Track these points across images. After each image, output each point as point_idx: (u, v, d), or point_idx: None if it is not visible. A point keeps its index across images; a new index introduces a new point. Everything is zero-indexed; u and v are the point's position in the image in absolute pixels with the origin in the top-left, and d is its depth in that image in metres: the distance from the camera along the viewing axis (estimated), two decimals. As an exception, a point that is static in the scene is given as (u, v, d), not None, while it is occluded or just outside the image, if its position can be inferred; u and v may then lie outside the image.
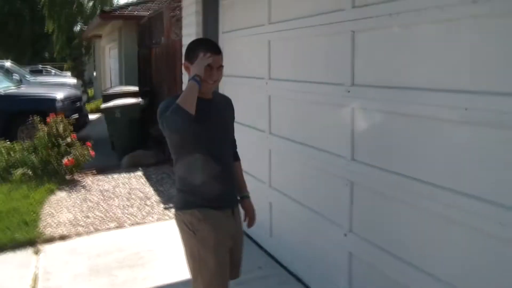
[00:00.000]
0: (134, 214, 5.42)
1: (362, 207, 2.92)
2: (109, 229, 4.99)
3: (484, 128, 2.07)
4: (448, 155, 2.26)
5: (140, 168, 7.61)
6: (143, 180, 6.99)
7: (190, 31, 5.30)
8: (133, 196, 6.10)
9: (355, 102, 2.88)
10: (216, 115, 2.40)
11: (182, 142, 2.30)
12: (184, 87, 5.38)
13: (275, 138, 3.94)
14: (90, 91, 22.10)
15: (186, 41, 5.59)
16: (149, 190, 6.42)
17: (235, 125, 2.64)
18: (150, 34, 9.83)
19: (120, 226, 5.06)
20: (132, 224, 5.11)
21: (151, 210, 5.54)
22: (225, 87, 4.36)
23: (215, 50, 2.32)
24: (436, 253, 2.36)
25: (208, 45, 2.33)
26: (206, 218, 2.32)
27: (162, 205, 5.73)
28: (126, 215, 5.39)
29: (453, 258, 2.27)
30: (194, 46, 2.33)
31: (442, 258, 2.33)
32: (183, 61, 2.38)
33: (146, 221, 5.21)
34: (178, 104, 2.11)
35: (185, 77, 5.22)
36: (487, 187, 2.06)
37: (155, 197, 6.06)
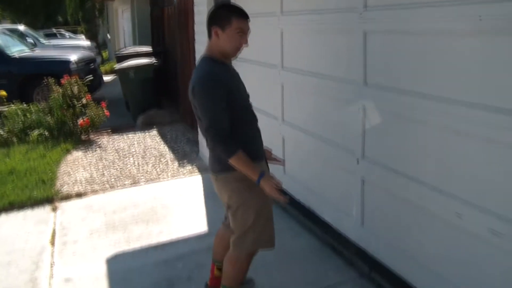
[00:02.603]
0: (149, 171, 5.48)
1: (374, 131, 2.92)
2: (124, 186, 5.05)
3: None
4: (457, 68, 2.27)
5: (154, 127, 7.65)
6: (158, 138, 7.02)
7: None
8: (148, 154, 6.15)
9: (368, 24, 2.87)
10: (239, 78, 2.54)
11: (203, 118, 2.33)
12: (197, 46, 5.38)
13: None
14: (104, 53, 22.06)
15: (197, -1, 5.51)
16: (164, 148, 6.46)
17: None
18: (163, -7, 9.71)
19: (135, 183, 5.12)
20: (147, 181, 5.16)
21: (165, 168, 5.59)
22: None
23: (246, 16, 2.38)
24: (451, 170, 2.36)
25: (240, 11, 2.38)
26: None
27: (176, 163, 5.77)
28: (141, 172, 5.45)
29: (469, 172, 2.25)
30: (226, 13, 2.35)
31: (458, 174, 2.32)
32: (212, 26, 2.35)
33: (160, 178, 5.25)
34: (229, 158, 2.24)
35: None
36: (498, 96, 2.06)
37: (169, 155, 6.10)
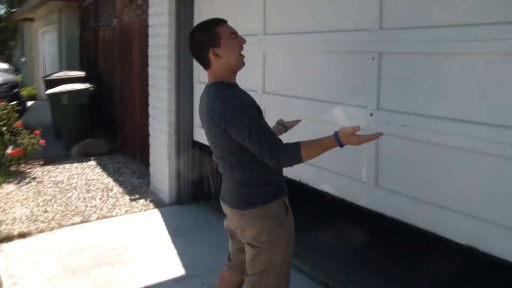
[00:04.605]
0: (99, 206, 4.99)
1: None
2: (74, 224, 4.53)
3: None
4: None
5: (92, 158, 7.10)
6: (99, 170, 6.50)
7: (161, 10, 4.90)
8: (92, 188, 5.64)
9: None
10: None
11: (249, 145, 2.06)
12: (150, 71, 5.06)
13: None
14: (18, 77, 20.72)
15: (154, 21, 5.20)
16: (109, 180, 5.97)
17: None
18: (96, 16, 9.20)
19: (85, 220, 4.62)
20: (99, 218, 4.68)
21: (116, 202, 5.12)
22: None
23: (224, 20, 2.19)
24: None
25: (216, 20, 2.17)
26: (289, 207, 2.21)
27: (127, 197, 5.31)
28: (90, 208, 4.95)
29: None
30: (207, 30, 2.13)
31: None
32: (207, 51, 2.10)
33: (113, 214, 4.79)
34: (301, 157, 1.97)
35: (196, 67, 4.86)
36: None
37: (117, 189, 5.62)
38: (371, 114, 2.71)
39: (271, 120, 2.44)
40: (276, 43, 3.59)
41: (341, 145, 2.00)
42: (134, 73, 6.94)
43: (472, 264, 2.81)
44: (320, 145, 2.01)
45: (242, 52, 2.16)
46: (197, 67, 4.77)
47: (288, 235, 2.19)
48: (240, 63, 2.16)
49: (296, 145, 1.98)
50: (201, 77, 4.70)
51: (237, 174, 2.15)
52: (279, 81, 3.56)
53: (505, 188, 2.10)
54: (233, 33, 2.14)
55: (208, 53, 2.10)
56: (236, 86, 2.19)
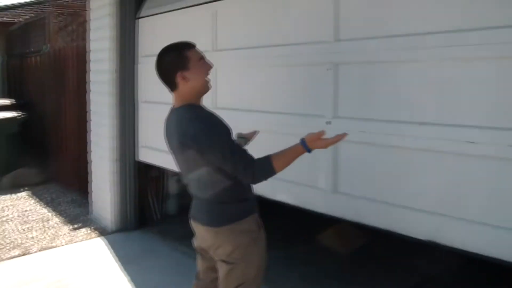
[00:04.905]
0: (39, 238, 4.78)
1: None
2: (13, 257, 4.31)
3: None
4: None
5: (25, 188, 6.80)
6: (33, 201, 6.23)
7: (102, 35, 4.86)
8: (29, 219, 5.40)
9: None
10: None
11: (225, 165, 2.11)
12: (90, 96, 4.96)
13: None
14: None
15: (94, 46, 5.14)
16: (45, 211, 5.73)
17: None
18: (24, 42, 8.91)
19: (26, 252, 4.41)
20: (41, 249, 4.48)
21: (57, 233, 4.93)
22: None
23: (193, 44, 2.22)
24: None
25: (186, 43, 2.20)
26: (261, 223, 2.27)
27: (67, 226, 5.13)
28: (28, 239, 4.73)
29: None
30: (177, 53, 2.16)
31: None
32: (175, 73, 2.12)
33: (55, 244, 4.61)
34: (274, 169, 2.06)
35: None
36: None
37: (55, 219, 5.41)
38: (328, 123, 2.82)
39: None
40: (228, 58, 3.65)
41: (309, 151, 2.10)
42: (70, 100, 6.78)
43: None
44: (289, 154, 2.11)
45: (208, 76, 2.21)
46: (141, 87, 4.78)
47: (261, 251, 2.25)
48: (206, 87, 2.21)
49: (267, 159, 2.06)
50: (146, 96, 4.72)
51: (211, 193, 2.18)
52: (232, 96, 3.62)
53: (462, 184, 2.28)
54: (202, 57, 2.18)
55: (176, 75, 2.13)
56: (204, 107, 2.23)
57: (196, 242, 2.39)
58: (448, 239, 2.34)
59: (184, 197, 5.63)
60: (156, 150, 4.59)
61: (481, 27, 2.16)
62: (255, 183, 2.14)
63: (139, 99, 4.85)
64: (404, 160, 2.53)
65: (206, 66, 2.19)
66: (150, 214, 5.27)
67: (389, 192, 2.60)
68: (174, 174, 5.55)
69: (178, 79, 2.13)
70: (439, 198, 2.39)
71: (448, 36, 2.28)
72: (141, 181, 5.12)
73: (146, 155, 4.83)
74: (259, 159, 2.08)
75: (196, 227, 2.32)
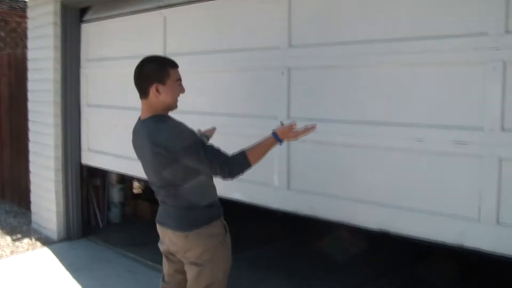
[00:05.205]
0: (-22, 250, 4.69)
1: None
2: (-46, 270, 4.22)
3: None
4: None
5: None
6: (-35, 213, 6.04)
7: (44, 44, 4.84)
8: (-36, 232, 5.25)
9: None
10: None
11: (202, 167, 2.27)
12: (31, 105, 4.90)
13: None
14: None
15: (35, 54, 5.11)
16: (-18, 223, 5.59)
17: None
18: None
19: (-33, 265, 4.33)
20: (-17, 261, 4.42)
21: (-3, 244, 4.86)
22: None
23: (177, 64, 2.38)
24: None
25: (171, 61, 2.36)
26: (227, 227, 2.44)
27: (8, 237, 5.04)
28: (-33, 252, 4.63)
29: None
30: (161, 66, 2.31)
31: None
32: (151, 83, 2.26)
33: (-2, 256, 4.55)
34: (249, 162, 2.26)
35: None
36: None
37: (-6, 230, 5.31)
38: (281, 124, 3.05)
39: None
40: (180, 63, 3.76)
41: (281, 142, 2.34)
42: (2, 109, 6.62)
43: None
44: (262, 147, 2.31)
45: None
46: (84, 91, 4.84)
47: (228, 252, 2.43)
48: (175, 105, 2.36)
49: (242, 154, 2.26)
50: (89, 100, 4.80)
51: (180, 199, 2.33)
52: (186, 99, 3.69)
53: (411, 176, 2.59)
54: (179, 79, 2.35)
55: (151, 85, 2.27)
56: (171, 117, 2.37)
57: (163, 246, 2.52)
58: (399, 228, 2.63)
59: (125, 205, 5.74)
60: (100, 153, 4.69)
61: (425, 36, 2.48)
62: (232, 178, 2.28)
63: (82, 103, 4.89)
64: (355, 157, 2.81)
65: (180, 89, 2.35)
66: (94, 222, 5.30)
67: (341, 187, 2.88)
68: (116, 182, 5.62)
69: (152, 89, 2.27)
70: (388, 191, 2.68)
71: (396, 43, 2.59)
72: (84, 190, 5.14)
73: (91, 159, 4.88)
74: (233, 155, 2.26)
75: (164, 232, 2.46)
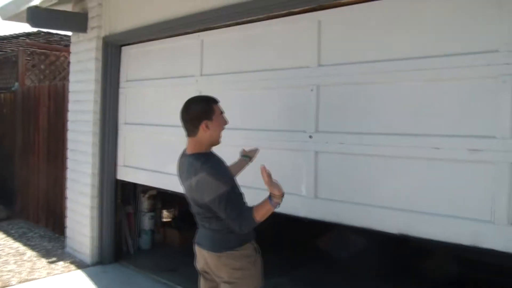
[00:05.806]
0: (16, 271, 4.91)
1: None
2: (-6, 289, 4.46)
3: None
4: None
5: (-10, 224, 6.84)
6: (2, 236, 6.30)
7: (87, 77, 5.16)
8: (2, 254, 5.49)
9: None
10: None
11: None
12: (68, 135, 5.15)
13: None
14: None
15: (76, 87, 5.44)
16: (18, 245, 5.84)
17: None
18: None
19: (6, 285, 4.54)
20: (21, 281, 4.62)
21: (34, 266, 5.08)
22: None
23: (217, 100, 2.63)
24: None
25: (213, 98, 2.62)
26: (258, 249, 2.63)
27: (44, 260, 5.28)
28: (5, 273, 4.85)
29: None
30: (206, 104, 2.57)
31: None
32: (201, 121, 2.50)
33: (35, 276, 4.76)
34: (255, 220, 2.39)
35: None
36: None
37: (30, 252, 5.54)
38: (310, 137, 3.26)
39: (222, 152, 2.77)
40: (213, 82, 4.01)
41: (271, 199, 2.41)
42: (40, 137, 6.95)
43: None
44: (267, 212, 2.41)
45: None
46: (123, 110, 5.10)
47: (258, 272, 2.62)
48: (219, 139, 2.61)
49: (251, 211, 2.40)
50: (127, 119, 5.06)
51: (217, 224, 2.54)
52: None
53: (430, 183, 2.74)
54: (222, 112, 2.60)
55: (200, 123, 2.51)
56: (213, 154, 2.61)
57: (199, 265, 2.74)
58: (418, 232, 2.78)
59: (155, 232, 5.94)
60: (135, 168, 4.92)
61: (442, 54, 2.68)
62: (242, 232, 2.47)
63: (119, 121, 5.15)
64: (378, 166, 2.97)
65: (224, 121, 2.60)
66: (125, 248, 5.50)
67: (366, 195, 3.03)
68: (148, 210, 5.83)
69: (202, 127, 2.51)
70: (409, 197, 2.82)
71: (416, 61, 2.78)
72: (117, 216, 5.37)
73: (127, 174, 5.11)
74: (245, 211, 2.42)
75: (200, 251, 2.68)
